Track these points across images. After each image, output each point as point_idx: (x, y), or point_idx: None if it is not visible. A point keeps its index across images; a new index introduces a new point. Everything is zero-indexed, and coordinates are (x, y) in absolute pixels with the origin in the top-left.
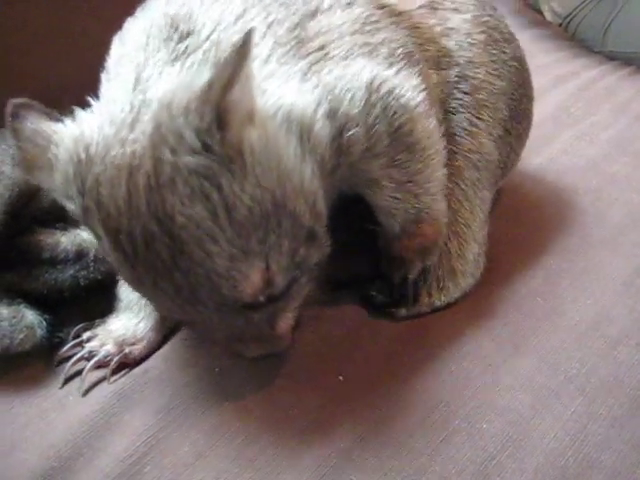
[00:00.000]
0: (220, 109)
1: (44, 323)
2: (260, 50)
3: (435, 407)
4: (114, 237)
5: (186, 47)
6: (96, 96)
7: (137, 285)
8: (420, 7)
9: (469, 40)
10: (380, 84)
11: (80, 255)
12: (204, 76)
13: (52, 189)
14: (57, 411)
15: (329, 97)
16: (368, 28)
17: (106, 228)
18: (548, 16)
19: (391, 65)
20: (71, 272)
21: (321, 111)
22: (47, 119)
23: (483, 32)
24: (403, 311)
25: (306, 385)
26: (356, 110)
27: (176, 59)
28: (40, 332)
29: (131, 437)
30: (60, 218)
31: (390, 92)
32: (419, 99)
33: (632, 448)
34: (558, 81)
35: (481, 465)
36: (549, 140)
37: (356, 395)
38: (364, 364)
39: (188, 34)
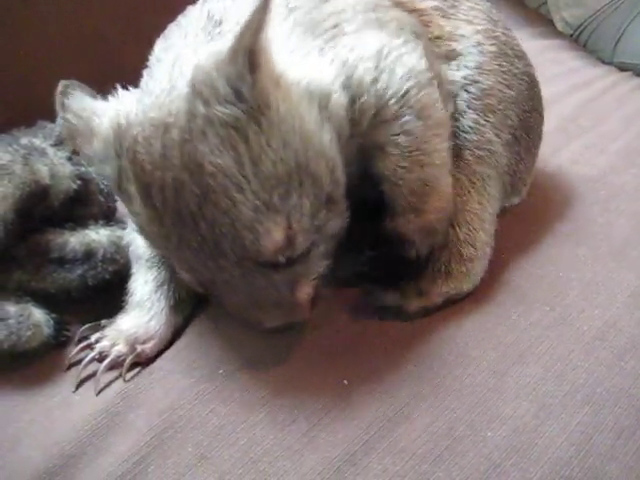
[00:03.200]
0: (251, 52)
1: (51, 322)
2: (282, 29)
3: (440, 414)
4: (146, 192)
5: (219, 32)
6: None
7: (163, 242)
8: (431, 9)
9: (479, 49)
10: (389, 52)
11: (88, 255)
12: (232, 37)
13: (91, 155)
14: (61, 409)
15: (344, 69)
16: (380, 9)
17: (139, 184)
18: (559, 26)
19: (399, 36)
20: (79, 272)
21: (338, 82)
22: (91, 97)
23: (494, 44)
24: (414, 304)
25: (310, 388)
26: (367, 78)
27: (211, 41)
28: (47, 330)
29: (135, 437)
30: (69, 218)
31: (398, 58)
32: (424, 67)
33: (638, 459)
34: (568, 91)
35: (485, 473)
36: (558, 150)
37: (360, 399)
38: (368, 368)
39: (221, 22)
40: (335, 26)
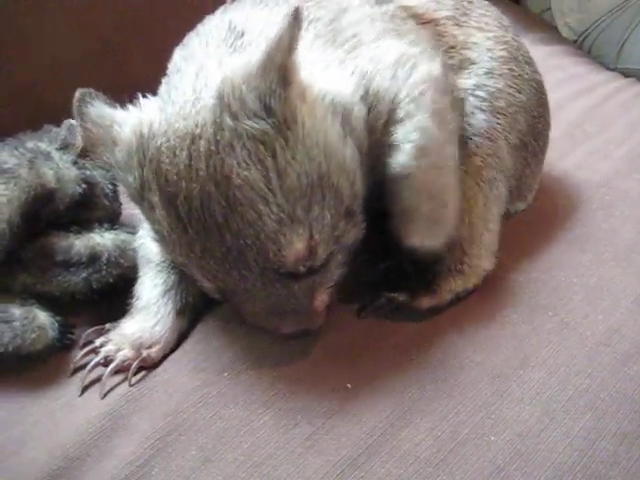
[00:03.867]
0: (284, 68)
1: (56, 324)
2: (303, 41)
3: (443, 417)
4: (170, 202)
5: (242, 43)
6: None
7: (186, 251)
8: (445, 18)
9: (490, 55)
10: (407, 59)
11: (93, 258)
12: (261, 51)
13: (113, 165)
14: (65, 412)
15: (363, 81)
16: (396, 20)
17: (163, 194)
18: (563, 32)
19: (417, 45)
20: (84, 275)
21: (357, 96)
22: (108, 105)
23: (505, 49)
24: (425, 301)
25: (314, 392)
26: (383, 86)
27: (234, 52)
28: (52, 333)
29: (139, 440)
30: (74, 222)
31: (415, 65)
32: (442, 77)
33: None
34: (573, 97)
35: (489, 477)
36: (563, 155)
37: (363, 403)
38: (372, 372)
39: (243, 33)
40: (354, 36)
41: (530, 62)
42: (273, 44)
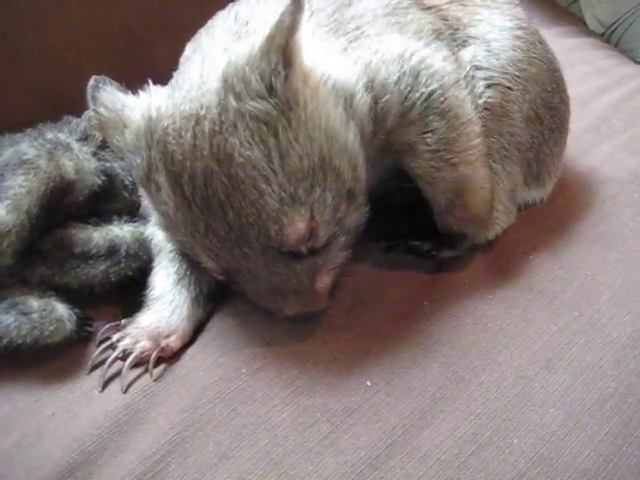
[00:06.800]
0: (286, 49)
1: (74, 317)
2: (305, 29)
3: (465, 418)
4: (176, 181)
5: (246, 30)
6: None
7: (191, 230)
8: (449, 2)
9: (497, 27)
10: (411, 54)
11: (112, 251)
12: (264, 35)
13: (122, 146)
14: (82, 405)
15: (367, 70)
16: (399, 11)
17: (169, 173)
18: (591, 25)
19: (420, 38)
20: (102, 268)
21: (360, 83)
22: (121, 91)
23: (512, 21)
24: (446, 253)
25: (333, 389)
26: (390, 80)
27: (239, 39)
28: (69, 325)
29: (156, 435)
30: (93, 213)
31: (421, 62)
32: (449, 68)
33: None
34: (599, 91)
35: None
36: (589, 151)
37: (383, 402)
38: (392, 370)
39: (248, 22)
40: (357, 28)
41: (542, 41)
42: (275, 26)
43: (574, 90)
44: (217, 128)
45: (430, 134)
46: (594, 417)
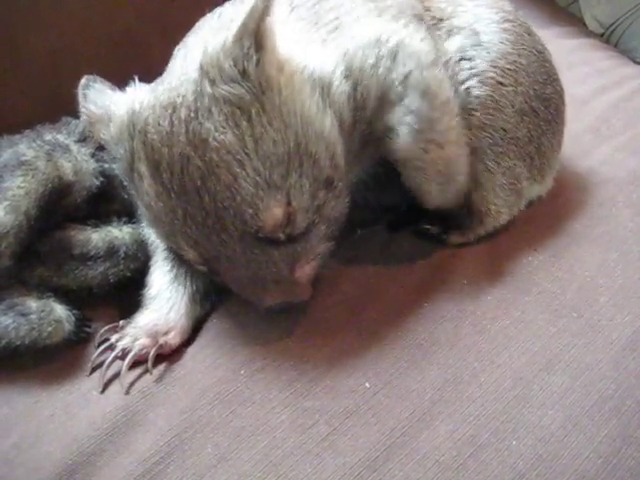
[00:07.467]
0: (257, 33)
1: (72, 318)
2: (285, 24)
3: (464, 420)
4: (156, 169)
5: (228, 27)
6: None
7: (170, 218)
8: None
9: (483, 18)
10: (389, 37)
11: (110, 252)
12: (238, 24)
13: (108, 140)
14: (81, 406)
15: (345, 58)
16: None
17: (149, 162)
18: (591, 25)
19: (398, 20)
20: (101, 269)
21: (338, 72)
22: (110, 89)
23: (498, 13)
24: (454, 238)
25: (332, 391)
26: (367, 64)
27: (218, 33)
28: (68, 326)
29: (155, 436)
30: (92, 215)
31: (399, 43)
32: (427, 48)
33: None
34: (599, 92)
35: None
36: (589, 151)
37: (382, 403)
38: (391, 372)
39: (232, 20)
40: (336, 18)
41: (530, 32)
42: (247, 13)
43: (574, 90)
44: (193, 114)
45: (411, 115)
46: (593, 419)
